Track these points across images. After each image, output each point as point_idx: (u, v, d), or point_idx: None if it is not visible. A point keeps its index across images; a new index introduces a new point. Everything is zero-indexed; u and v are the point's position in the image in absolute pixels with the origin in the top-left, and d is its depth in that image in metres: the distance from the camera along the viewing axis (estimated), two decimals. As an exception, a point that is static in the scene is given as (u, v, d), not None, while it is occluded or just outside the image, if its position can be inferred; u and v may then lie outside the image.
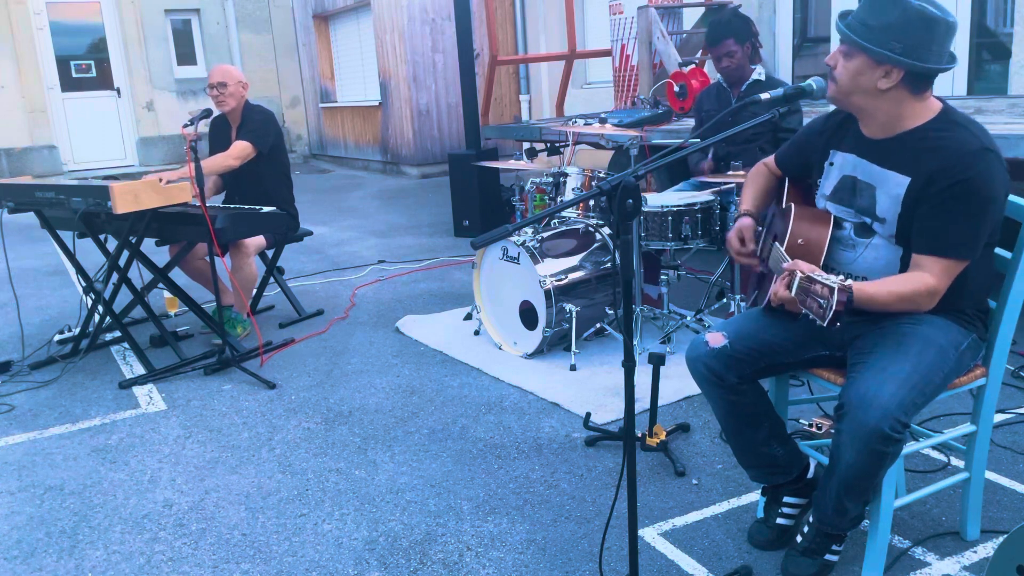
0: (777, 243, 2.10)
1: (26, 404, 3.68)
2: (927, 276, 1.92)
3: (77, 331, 4.35)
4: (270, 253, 4.74)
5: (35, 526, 2.66)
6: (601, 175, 4.16)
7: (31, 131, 11.97)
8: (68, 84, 12.20)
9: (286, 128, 13.76)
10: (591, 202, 4.07)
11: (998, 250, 2.11)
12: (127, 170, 12.00)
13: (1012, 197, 2.09)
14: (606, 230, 4.08)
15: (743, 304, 3.78)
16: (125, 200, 3.58)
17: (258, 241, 4.38)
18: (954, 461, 2.71)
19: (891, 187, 1.99)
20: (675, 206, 3.76)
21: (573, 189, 4.13)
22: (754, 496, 2.59)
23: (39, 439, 3.32)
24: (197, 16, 12.98)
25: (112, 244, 4.15)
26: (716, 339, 2.17)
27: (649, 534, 2.43)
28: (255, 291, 4.71)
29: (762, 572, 2.22)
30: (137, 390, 3.78)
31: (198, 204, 3.66)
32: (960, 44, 5.96)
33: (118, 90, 12.54)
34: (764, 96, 2.03)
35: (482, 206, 6.72)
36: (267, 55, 13.53)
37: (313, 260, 6.35)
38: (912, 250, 1.97)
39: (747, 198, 2.36)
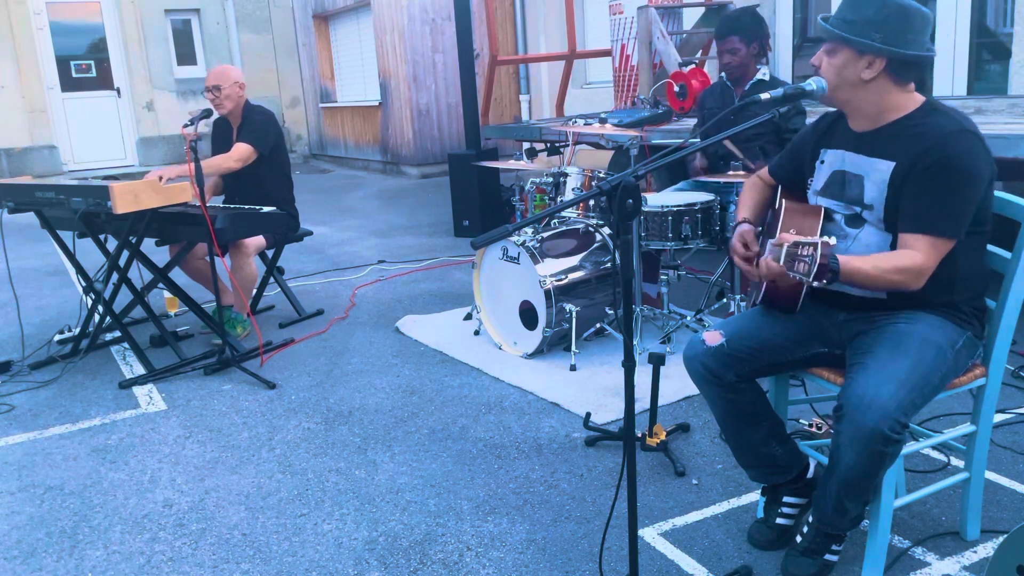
0: (770, 240, 2.11)
1: (26, 404, 3.68)
2: (912, 252, 1.94)
3: (77, 331, 4.35)
4: (270, 253, 4.74)
5: (35, 526, 2.66)
6: (601, 175, 4.16)
7: (31, 131, 11.97)
8: (68, 84, 12.20)
9: (286, 128, 13.76)
10: (591, 202, 4.07)
11: (998, 250, 2.11)
12: (127, 170, 12.01)
13: (1012, 197, 2.10)
14: (606, 230, 4.08)
15: (743, 304, 3.78)
16: (125, 200, 3.58)
17: (258, 241, 4.38)
18: (954, 461, 2.71)
19: (877, 174, 2.03)
20: (675, 206, 3.76)
21: (573, 189, 4.13)
22: (754, 496, 2.59)
23: (39, 439, 3.32)
24: (197, 16, 12.98)
25: (112, 244, 4.15)
26: (713, 338, 2.17)
27: (649, 534, 2.43)
28: (255, 291, 4.71)
29: (762, 572, 2.22)
30: (137, 390, 3.78)
31: (198, 204, 3.66)
32: (960, 44, 5.97)
33: (118, 90, 12.55)
34: (764, 96, 2.03)
35: (482, 206, 6.72)
36: (267, 55, 13.53)
37: (313, 260, 6.35)
38: (899, 231, 2.00)
39: (744, 207, 2.38)
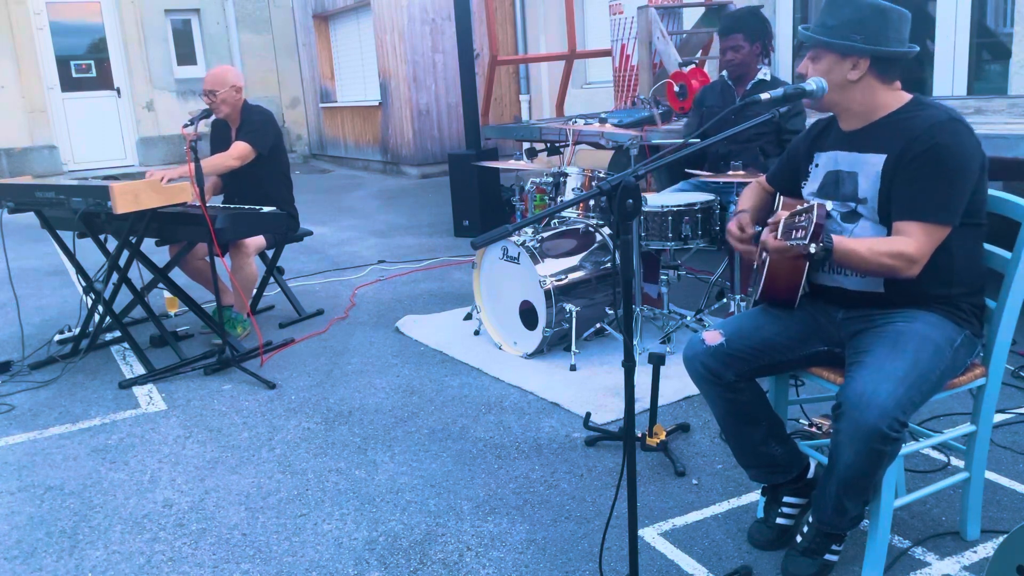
0: (769, 219, 2.14)
1: (26, 404, 3.68)
2: (907, 238, 1.96)
3: (77, 331, 4.35)
4: (270, 253, 4.74)
5: (35, 526, 2.66)
6: (601, 175, 4.16)
7: (31, 131, 11.97)
8: (68, 84, 12.20)
9: (286, 128, 13.77)
10: (591, 202, 4.07)
11: (998, 250, 2.11)
12: (127, 170, 12.00)
13: (1012, 197, 2.10)
14: (606, 230, 4.08)
15: (743, 304, 3.78)
16: (125, 200, 3.58)
17: (258, 241, 4.38)
18: (954, 461, 2.71)
19: (870, 167, 2.06)
20: (675, 206, 3.76)
21: (573, 189, 4.13)
22: (754, 496, 2.59)
23: (39, 439, 3.32)
24: (197, 16, 12.98)
25: (112, 244, 4.15)
26: (713, 337, 2.17)
27: (649, 534, 2.43)
28: (255, 291, 4.71)
29: (762, 572, 2.22)
30: (137, 390, 3.78)
31: (198, 204, 3.66)
32: (960, 44, 5.96)
33: (118, 90, 12.55)
34: (764, 96, 2.03)
35: (482, 206, 6.72)
36: (267, 55, 13.53)
37: (313, 260, 6.35)
38: (892, 220, 2.02)
39: (744, 202, 2.44)
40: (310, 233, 4.90)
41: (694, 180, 4.28)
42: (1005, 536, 1.65)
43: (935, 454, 2.78)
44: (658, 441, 2.87)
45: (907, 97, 2.08)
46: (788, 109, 2.10)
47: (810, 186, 2.22)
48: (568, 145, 5.09)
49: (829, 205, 1.87)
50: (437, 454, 3.01)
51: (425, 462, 2.95)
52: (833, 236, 1.89)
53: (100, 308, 4.13)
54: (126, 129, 12.70)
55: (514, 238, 3.85)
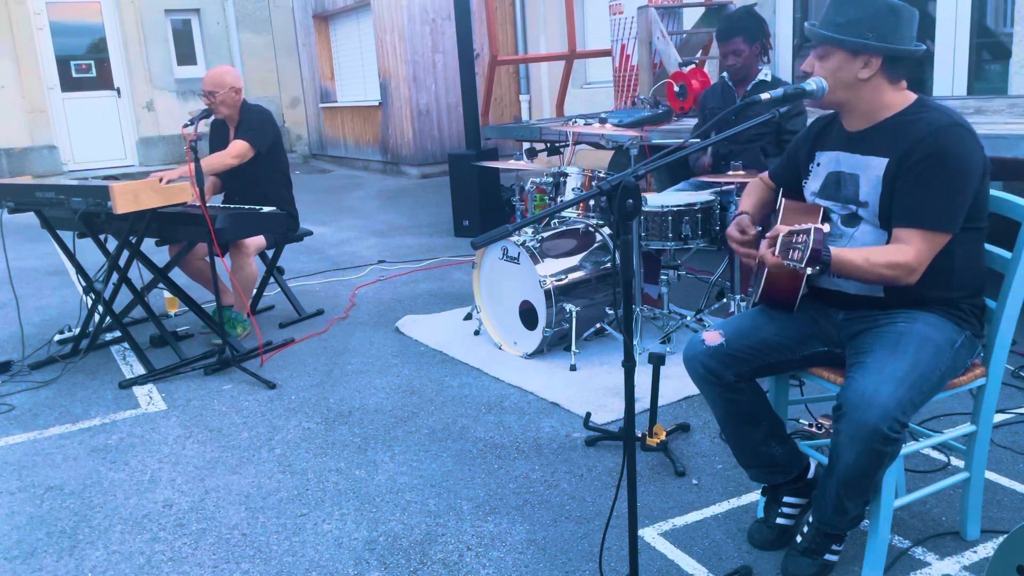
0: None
1: (26, 404, 3.68)
2: (905, 247, 1.95)
3: (77, 331, 4.35)
4: (270, 253, 4.74)
5: (35, 526, 2.66)
6: (601, 175, 4.16)
7: (31, 131, 11.97)
8: (68, 84, 12.20)
9: (286, 128, 13.76)
10: (591, 202, 4.07)
11: (998, 250, 2.11)
12: (127, 170, 12.01)
13: (1012, 197, 2.10)
14: (606, 230, 4.08)
15: (743, 304, 3.78)
16: (125, 200, 3.58)
17: (258, 241, 4.38)
18: (954, 461, 2.71)
19: (871, 171, 2.04)
20: (675, 206, 3.76)
21: (573, 189, 4.13)
22: (754, 496, 2.59)
23: (39, 439, 3.32)
24: (197, 16, 12.98)
25: (112, 244, 4.15)
26: (713, 338, 2.17)
27: (649, 534, 2.43)
28: (255, 291, 4.71)
29: (762, 572, 2.22)
30: (137, 390, 3.78)
31: (198, 204, 3.66)
32: (960, 44, 5.96)
33: (118, 90, 12.54)
34: (764, 96, 2.03)
35: (482, 206, 6.72)
36: (267, 55, 13.53)
37: (313, 260, 6.35)
38: (892, 226, 2.00)
39: (745, 202, 2.42)
40: (310, 233, 4.90)
41: (694, 180, 4.28)
42: (1005, 536, 1.65)
43: (935, 454, 2.78)
44: (658, 441, 2.87)
45: (912, 97, 2.06)
46: (788, 109, 2.10)
47: (811, 185, 2.21)
48: (568, 145, 5.09)
49: (827, 228, 1.84)
50: (437, 454, 3.01)
51: (425, 462, 2.95)
52: (831, 249, 1.86)
53: (100, 308, 4.13)
54: (126, 129, 12.69)
55: (514, 238, 3.85)
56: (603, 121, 4.80)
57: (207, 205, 3.67)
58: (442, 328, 4.40)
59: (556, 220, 4.20)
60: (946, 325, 2.02)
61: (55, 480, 2.96)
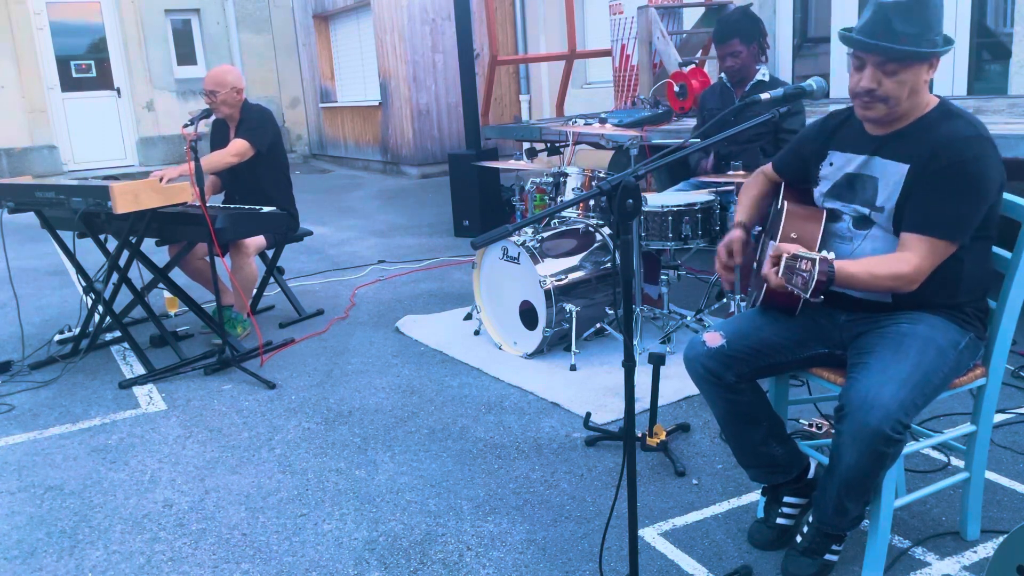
0: (772, 241, 2.12)
1: (26, 404, 3.68)
2: (909, 255, 1.93)
3: (77, 331, 4.35)
4: (270, 253, 4.74)
5: (35, 526, 2.66)
6: (601, 175, 4.16)
7: (31, 131, 11.97)
8: (68, 84, 12.20)
9: (286, 128, 13.76)
10: (591, 202, 4.07)
11: (998, 250, 2.11)
12: (127, 170, 12.00)
13: (1012, 197, 2.09)
14: (606, 230, 4.08)
15: (743, 304, 3.78)
16: (125, 200, 3.58)
17: (258, 241, 4.38)
18: (954, 461, 2.71)
19: (892, 176, 2.02)
20: (675, 206, 3.76)
21: (573, 189, 4.13)
22: (754, 496, 2.59)
23: (39, 439, 3.32)
24: (197, 16, 12.98)
25: (112, 244, 4.15)
26: (713, 339, 2.17)
27: (649, 534, 2.43)
28: (255, 291, 4.71)
29: (762, 572, 2.22)
30: (137, 390, 3.78)
31: (198, 204, 3.66)
32: (960, 44, 5.97)
33: (118, 90, 12.54)
34: (764, 96, 2.03)
35: (482, 206, 6.72)
36: (267, 55, 13.53)
37: (313, 260, 6.35)
38: (901, 230, 1.99)
39: (741, 209, 2.38)
40: (310, 233, 4.90)
41: (694, 180, 4.29)
42: (1005, 536, 1.65)
43: (935, 454, 2.78)
44: (658, 441, 2.87)
45: (935, 100, 2.02)
46: (787, 109, 2.09)
47: (822, 186, 2.19)
48: (568, 145, 5.09)
49: (831, 255, 1.81)
50: (437, 454, 3.01)
51: (425, 462, 2.95)
52: (834, 263, 1.82)
53: (100, 308, 4.13)
54: (126, 129, 12.69)
55: (514, 238, 3.85)
56: (603, 121, 4.80)
57: (207, 205, 3.67)
58: (442, 328, 4.40)
59: (556, 220, 4.20)
60: (950, 327, 2.02)
61: (55, 480, 2.96)
